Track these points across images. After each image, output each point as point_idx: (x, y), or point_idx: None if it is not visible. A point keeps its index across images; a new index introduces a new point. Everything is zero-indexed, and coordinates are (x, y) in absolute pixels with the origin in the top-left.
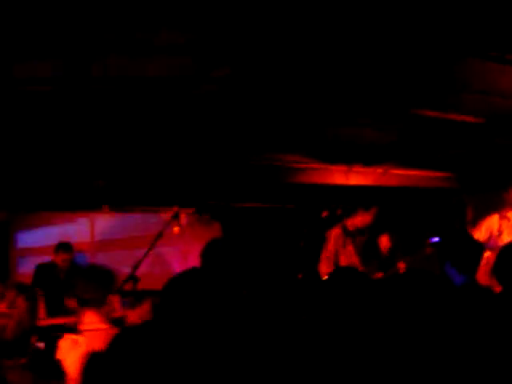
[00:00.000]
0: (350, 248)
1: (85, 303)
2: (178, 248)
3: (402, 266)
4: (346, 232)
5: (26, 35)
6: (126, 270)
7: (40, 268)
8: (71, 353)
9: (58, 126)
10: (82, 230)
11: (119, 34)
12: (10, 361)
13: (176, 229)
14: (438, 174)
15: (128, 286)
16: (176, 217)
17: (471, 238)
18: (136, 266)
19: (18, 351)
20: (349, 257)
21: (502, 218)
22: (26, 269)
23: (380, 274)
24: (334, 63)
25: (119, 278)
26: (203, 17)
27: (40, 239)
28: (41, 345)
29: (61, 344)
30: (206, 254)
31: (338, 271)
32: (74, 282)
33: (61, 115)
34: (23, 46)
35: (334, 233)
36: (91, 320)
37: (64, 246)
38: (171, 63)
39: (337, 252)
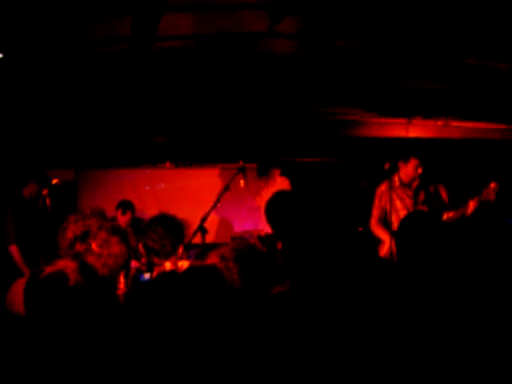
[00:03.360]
0: (398, 203)
1: (152, 252)
2: (244, 202)
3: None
4: (393, 188)
5: None
6: (193, 226)
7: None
8: None
9: (121, 84)
10: (144, 186)
11: None
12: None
13: (242, 182)
14: (499, 125)
15: (196, 238)
16: (242, 170)
17: None
18: (204, 218)
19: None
20: (398, 211)
21: None
22: None
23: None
24: (394, 13)
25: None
26: None
27: (105, 197)
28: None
29: (161, 270)
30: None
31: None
32: (146, 229)
33: (124, 73)
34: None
35: (379, 190)
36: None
37: (122, 207)
38: (240, 18)
39: (385, 210)
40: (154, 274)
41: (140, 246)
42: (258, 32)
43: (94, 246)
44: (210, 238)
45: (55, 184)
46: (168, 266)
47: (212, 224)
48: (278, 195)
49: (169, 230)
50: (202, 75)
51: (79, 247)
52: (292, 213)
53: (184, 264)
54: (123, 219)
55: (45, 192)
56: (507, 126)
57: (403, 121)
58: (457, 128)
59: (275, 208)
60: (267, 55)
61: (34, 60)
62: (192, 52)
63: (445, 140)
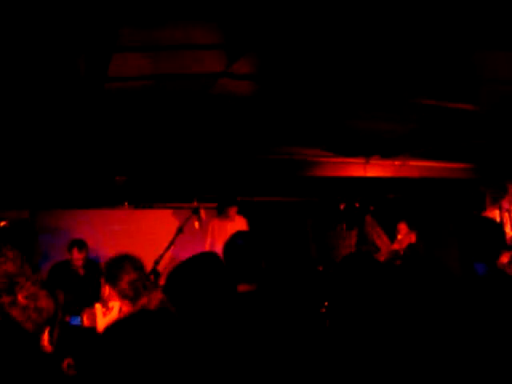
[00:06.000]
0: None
1: (125, 296)
2: (199, 243)
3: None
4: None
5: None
6: (149, 267)
7: (55, 268)
8: (105, 319)
9: (79, 125)
10: (102, 227)
11: (138, 31)
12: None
13: (196, 224)
14: (456, 165)
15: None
16: (196, 212)
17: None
18: (157, 261)
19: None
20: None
21: (504, 210)
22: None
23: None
24: (350, 56)
25: None
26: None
27: (62, 238)
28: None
29: (91, 312)
30: (228, 248)
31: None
32: (116, 272)
33: (81, 113)
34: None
35: None
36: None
37: (78, 244)
38: (193, 60)
39: None
40: (84, 316)
41: (107, 289)
42: (215, 72)
43: (19, 297)
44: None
45: (3, 226)
46: (98, 307)
47: (168, 266)
48: (237, 236)
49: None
50: (160, 115)
51: (5, 299)
52: (250, 254)
53: (115, 304)
54: (79, 256)
55: None
56: (465, 165)
57: (361, 160)
58: (414, 167)
59: (234, 249)
60: (223, 95)
61: None
62: (149, 92)
63: (403, 179)
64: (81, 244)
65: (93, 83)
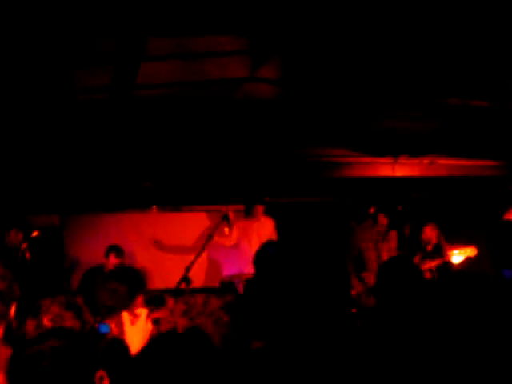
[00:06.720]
0: None
1: (104, 312)
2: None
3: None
4: None
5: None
6: (178, 271)
7: (88, 273)
8: (133, 327)
9: (107, 132)
10: (131, 231)
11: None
12: None
13: (226, 230)
14: (485, 162)
15: (182, 287)
16: (225, 218)
17: None
18: (188, 268)
19: None
20: None
21: None
22: (80, 274)
23: (428, 264)
24: (379, 55)
25: (171, 279)
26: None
27: (91, 242)
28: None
29: (119, 320)
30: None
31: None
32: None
33: (110, 121)
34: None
35: None
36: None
37: (115, 249)
38: (219, 65)
39: None
40: (112, 324)
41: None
42: (241, 78)
43: (45, 320)
44: (198, 283)
45: (36, 236)
46: (125, 315)
47: (199, 267)
48: (268, 245)
49: (123, 286)
50: (186, 119)
51: (30, 322)
52: (281, 264)
53: (142, 312)
54: (116, 262)
55: (24, 246)
56: (494, 163)
57: (389, 160)
58: (443, 166)
59: (265, 258)
60: (250, 99)
61: (18, 106)
62: (176, 98)
63: (431, 178)
64: (118, 250)
65: (121, 91)
